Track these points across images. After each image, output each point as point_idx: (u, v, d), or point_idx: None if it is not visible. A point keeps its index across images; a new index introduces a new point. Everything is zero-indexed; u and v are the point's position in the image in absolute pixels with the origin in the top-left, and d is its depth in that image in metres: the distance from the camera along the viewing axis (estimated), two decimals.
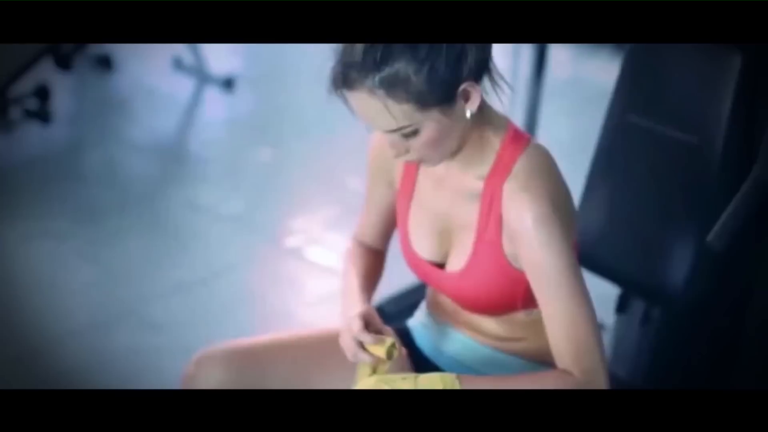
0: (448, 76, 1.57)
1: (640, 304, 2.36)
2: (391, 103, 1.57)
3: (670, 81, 2.15)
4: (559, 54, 5.16)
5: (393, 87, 1.56)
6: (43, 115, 4.26)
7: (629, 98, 2.20)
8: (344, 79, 1.60)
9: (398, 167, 1.85)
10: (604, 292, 1.78)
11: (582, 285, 1.67)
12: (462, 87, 1.60)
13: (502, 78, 1.67)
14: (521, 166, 1.68)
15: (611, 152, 2.23)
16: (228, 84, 4.74)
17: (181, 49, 4.87)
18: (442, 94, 1.58)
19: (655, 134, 2.16)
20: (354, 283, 1.87)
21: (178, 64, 4.86)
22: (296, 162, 4.27)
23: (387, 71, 1.55)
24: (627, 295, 2.36)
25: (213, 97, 4.77)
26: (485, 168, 1.71)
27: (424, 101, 1.57)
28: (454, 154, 1.70)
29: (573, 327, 1.64)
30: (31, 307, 3.18)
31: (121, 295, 3.28)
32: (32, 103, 4.26)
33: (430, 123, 1.60)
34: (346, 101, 1.63)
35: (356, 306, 1.78)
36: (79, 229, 3.64)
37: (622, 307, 2.38)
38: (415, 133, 1.61)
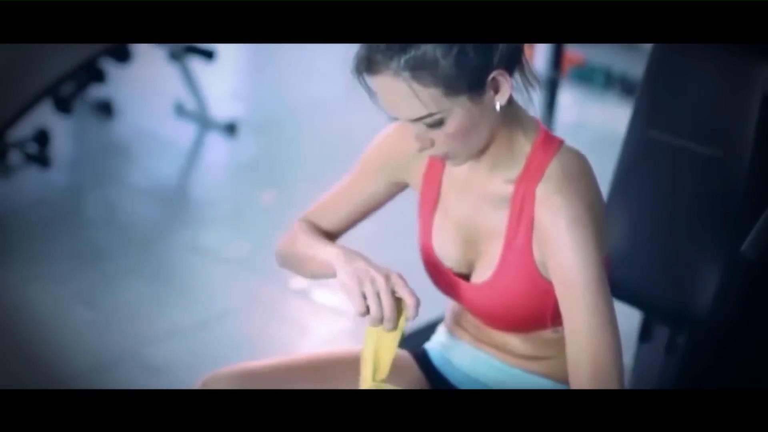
0: (477, 62, 1.50)
1: (664, 331, 2.26)
2: (417, 86, 1.49)
3: (691, 95, 2.09)
4: (565, 98, 5.12)
5: (419, 69, 1.48)
6: (42, 160, 4.20)
7: (650, 114, 2.13)
8: (368, 63, 1.52)
9: (418, 171, 1.76)
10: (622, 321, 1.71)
11: (609, 302, 1.58)
12: (492, 75, 1.52)
13: (534, 77, 1.60)
14: (555, 168, 1.60)
15: (632, 169, 2.16)
16: (230, 129, 4.68)
17: (182, 95, 4.81)
18: (470, 80, 1.50)
19: (677, 149, 2.09)
20: (320, 238, 1.76)
21: (180, 110, 4.80)
22: (300, 204, 4.18)
23: (413, 53, 1.48)
24: (650, 321, 2.27)
25: (215, 141, 4.71)
26: (515, 171, 1.63)
27: (451, 86, 1.49)
28: (481, 153, 1.62)
29: (596, 349, 1.55)
30: (30, 350, 3.10)
31: (121, 338, 3.21)
32: (32, 147, 4.21)
33: (458, 112, 1.52)
34: (368, 90, 1.55)
35: (338, 246, 1.68)
36: (79, 272, 3.57)
37: (645, 335, 2.29)
38: (440, 123, 1.53)
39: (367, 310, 1.57)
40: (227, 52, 5.39)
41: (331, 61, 5.81)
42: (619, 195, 2.17)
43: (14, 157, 4.23)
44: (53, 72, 4.16)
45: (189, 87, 4.71)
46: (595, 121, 5.46)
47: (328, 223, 1.85)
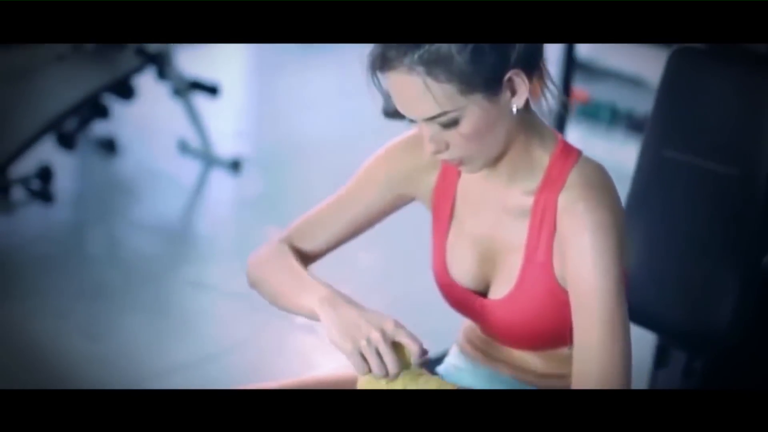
0: (493, 59, 1.47)
1: (681, 356, 2.21)
2: (431, 82, 1.46)
3: (706, 112, 2.05)
4: (572, 135, 5.09)
5: (434, 65, 1.45)
6: (45, 196, 4.17)
7: (664, 133, 2.09)
8: (382, 60, 1.49)
9: (429, 185, 1.72)
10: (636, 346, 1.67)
11: (625, 317, 1.54)
12: (509, 75, 1.48)
13: (552, 82, 1.56)
14: (576, 177, 1.57)
15: (647, 189, 2.12)
16: (235, 166, 4.65)
17: (186, 132, 4.79)
18: (486, 78, 1.47)
19: (693, 168, 2.05)
20: (299, 274, 1.65)
21: (183, 147, 4.77)
22: None
23: (428, 48, 1.45)
24: (666, 345, 2.22)
25: (219, 178, 4.68)
26: (534, 182, 1.59)
27: (466, 83, 1.46)
28: (497, 162, 1.58)
29: (605, 365, 1.51)
30: (32, 386, 3.04)
31: (124, 373, 3.16)
32: (35, 184, 4.17)
33: (473, 111, 1.48)
34: (381, 91, 1.52)
35: (321, 288, 1.58)
36: (82, 307, 3.53)
37: (661, 360, 2.24)
38: (455, 122, 1.49)
39: (369, 368, 1.51)
40: (231, 89, 5.38)
41: (335, 99, 5.81)
42: (633, 216, 2.12)
43: (17, 193, 4.19)
44: (56, 107, 4.14)
45: (193, 124, 4.68)
46: (602, 158, 5.40)
47: (314, 240, 1.75)
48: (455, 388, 1.60)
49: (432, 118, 1.49)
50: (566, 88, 4.11)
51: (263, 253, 1.74)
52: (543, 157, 1.60)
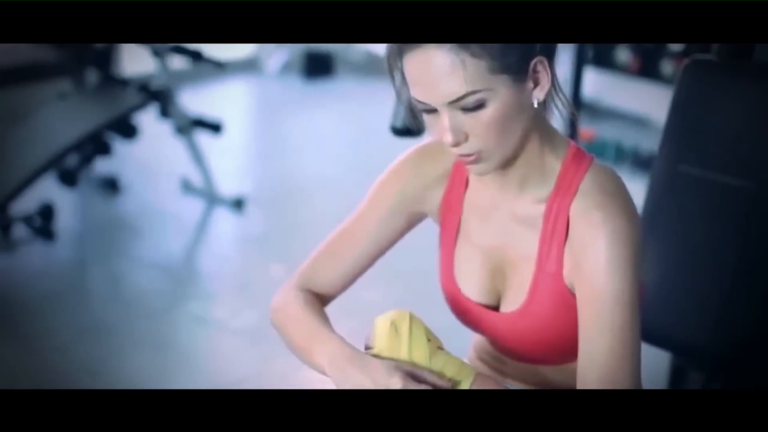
0: None
1: (697, 377, 2.15)
2: (464, 55, 1.42)
3: (720, 126, 2.00)
4: None
5: None
6: (47, 234, 4.14)
7: (678, 148, 2.04)
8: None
9: (436, 198, 1.68)
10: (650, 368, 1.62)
11: (636, 329, 1.49)
12: (534, 60, 1.46)
13: (563, 93, 1.55)
14: (590, 184, 1.53)
15: (662, 206, 2.06)
16: (238, 205, 4.61)
17: (189, 171, 4.76)
18: (515, 58, 1.44)
19: (708, 183, 2.00)
20: (315, 323, 1.64)
21: (186, 186, 4.74)
22: None
23: None
24: (681, 365, 2.16)
25: (222, 216, 4.64)
26: (545, 190, 1.56)
27: (498, 59, 1.43)
28: (509, 165, 1.55)
29: (611, 379, 1.46)
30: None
31: None
32: (36, 222, 4.14)
33: (499, 95, 1.45)
34: (402, 80, 1.49)
35: (331, 344, 1.57)
36: (85, 344, 3.48)
37: (677, 381, 2.18)
38: (481, 105, 1.45)
39: None
40: (233, 128, 5.37)
41: (337, 138, 5.80)
42: (648, 233, 2.07)
43: (19, 230, 4.17)
44: (57, 144, 4.12)
45: (196, 162, 4.65)
46: None
47: (330, 275, 1.72)
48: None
49: (457, 100, 1.45)
50: (573, 132, 4.10)
51: (281, 299, 1.71)
52: (555, 164, 1.56)
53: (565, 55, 3.65)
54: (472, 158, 1.51)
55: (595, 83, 5.73)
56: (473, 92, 1.44)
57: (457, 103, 1.45)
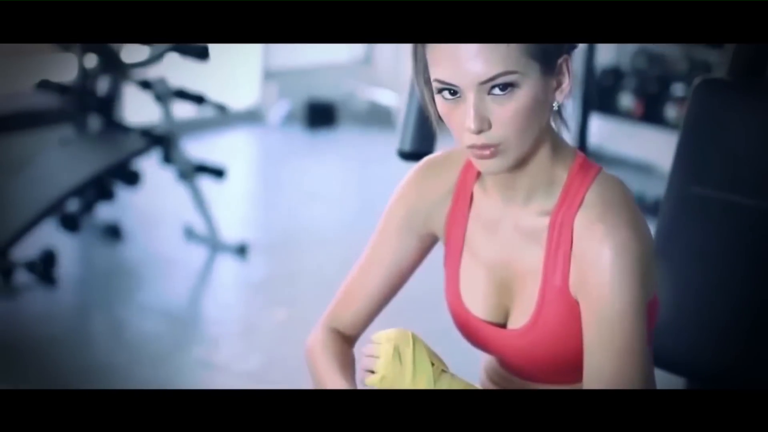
0: None
1: None
2: None
3: (733, 145, 1.98)
4: None
5: None
6: (49, 279, 4.09)
7: (690, 169, 2.02)
8: None
9: (442, 215, 1.65)
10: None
11: (643, 349, 1.46)
12: (562, 59, 1.46)
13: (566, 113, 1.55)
14: (594, 195, 1.50)
15: (675, 228, 2.03)
16: (241, 251, 4.57)
17: (192, 217, 4.73)
18: (547, 48, 1.44)
19: (722, 204, 1.97)
20: (333, 369, 1.65)
21: (189, 233, 4.70)
22: (312, 321, 4.06)
23: None
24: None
25: (225, 262, 4.61)
26: (551, 201, 1.53)
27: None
28: (518, 173, 1.51)
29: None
30: None
31: None
32: (38, 268, 4.10)
33: (529, 82, 1.43)
34: (425, 60, 1.47)
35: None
36: (88, 387, 3.42)
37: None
38: (511, 89, 1.42)
39: None
40: (236, 175, 5.34)
41: (340, 185, 5.79)
42: (660, 256, 2.04)
43: (20, 276, 4.13)
44: (58, 189, 4.10)
45: (199, 209, 4.62)
46: None
47: (351, 322, 1.71)
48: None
49: (488, 81, 1.42)
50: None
51: (310, 339, 1.73)
52: (561, 174, 1.54)
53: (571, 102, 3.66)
54: (489, 152, 1.47)
55: (599, 129, 5.71)
56: (506, 72, 1.42)
57: (487, 84, 1.43)
